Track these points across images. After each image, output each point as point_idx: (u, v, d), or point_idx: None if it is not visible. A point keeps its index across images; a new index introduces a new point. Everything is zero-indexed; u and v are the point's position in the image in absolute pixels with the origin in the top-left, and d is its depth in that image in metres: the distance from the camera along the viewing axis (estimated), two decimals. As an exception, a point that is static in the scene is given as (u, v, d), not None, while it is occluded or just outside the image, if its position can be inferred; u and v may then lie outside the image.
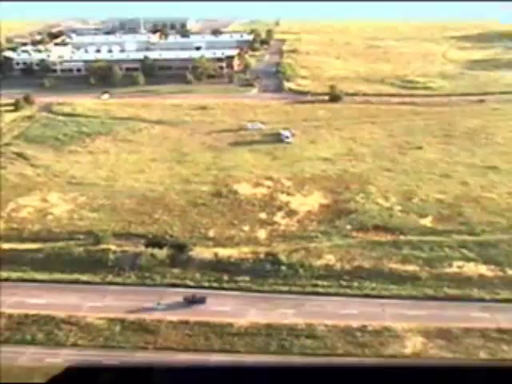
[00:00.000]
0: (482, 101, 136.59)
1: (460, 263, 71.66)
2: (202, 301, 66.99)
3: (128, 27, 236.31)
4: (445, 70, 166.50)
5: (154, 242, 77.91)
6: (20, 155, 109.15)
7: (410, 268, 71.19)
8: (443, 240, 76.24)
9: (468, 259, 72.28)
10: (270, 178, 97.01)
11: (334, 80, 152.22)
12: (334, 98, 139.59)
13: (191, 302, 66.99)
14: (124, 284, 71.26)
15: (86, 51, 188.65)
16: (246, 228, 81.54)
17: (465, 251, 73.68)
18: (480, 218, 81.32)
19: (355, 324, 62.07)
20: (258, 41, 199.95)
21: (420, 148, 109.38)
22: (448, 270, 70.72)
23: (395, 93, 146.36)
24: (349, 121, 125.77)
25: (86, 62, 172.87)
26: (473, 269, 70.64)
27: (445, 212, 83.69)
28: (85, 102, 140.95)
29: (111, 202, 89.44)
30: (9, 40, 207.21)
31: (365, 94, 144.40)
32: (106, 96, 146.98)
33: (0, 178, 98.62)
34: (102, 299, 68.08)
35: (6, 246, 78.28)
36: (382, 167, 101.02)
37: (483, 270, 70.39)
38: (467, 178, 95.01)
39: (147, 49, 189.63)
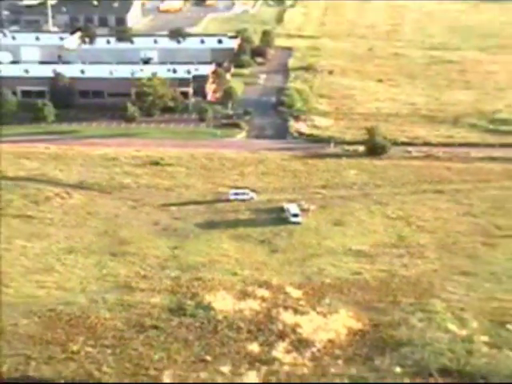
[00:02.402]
0: None
1: None
2: None
3: (25, 19, 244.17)
4: None
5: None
6: None
7: None
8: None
9: None
10: (265, 285, 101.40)
11: (374, 119, 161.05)
12: (375, 149, 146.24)
13: None
14: None
15: None
16: (226, 369, 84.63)
17: None
18: None
19: None
20: (248, 49, 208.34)
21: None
22: None
23: (478, 141, 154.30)
24: (398, 188, 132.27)
25: None
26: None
27: None
28: None
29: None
30: None
31: (426, 143, 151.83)
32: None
33: None
34: None
35: None
36: (455, 268, 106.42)
37: None
38: None
39: (60, 59, 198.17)
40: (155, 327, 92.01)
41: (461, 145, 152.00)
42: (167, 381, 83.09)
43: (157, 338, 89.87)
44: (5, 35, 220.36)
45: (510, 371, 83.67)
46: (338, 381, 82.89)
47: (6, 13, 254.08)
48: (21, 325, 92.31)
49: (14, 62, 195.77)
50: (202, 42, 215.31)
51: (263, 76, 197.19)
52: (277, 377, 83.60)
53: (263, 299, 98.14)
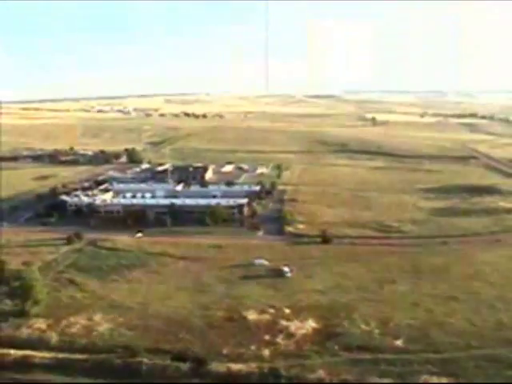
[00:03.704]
0: (444, 243, 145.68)
1: (426, 376, 77.34)
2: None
3: (158, 177, 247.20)
4: (414, 217, 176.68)
5: (179, 357, 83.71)
6: (71, 281, 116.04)
7: (386, 381, 76.54)
8: (413, 357, 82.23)
9: (433, 373, 77.98)
10: (272, 307, 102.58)
11: (326, 225, 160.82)
12: (326, 240, 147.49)
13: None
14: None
15: (124, 196, 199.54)
16: (253, 347, 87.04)
17: (430, 367, 79.52)
18: (443, 339, 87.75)
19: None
20: (264, 191, 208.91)
21: (394, 282, 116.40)
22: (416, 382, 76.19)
23: (375, 235, 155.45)
24: (337, 259, 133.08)
25: (124, 205, 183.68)
26: (436, 381, 76.25)
27: (414, 334, 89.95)
28: (123, 239, 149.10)
29: (144, 323, 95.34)
30: (64, 186, 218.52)
31: (350, 237, 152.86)
32: (139, 234, 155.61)
33: (56, 299, 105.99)
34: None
35: (61, 355, 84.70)
36: (364, 298, 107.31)
37: (444, 381, 76.34)
38: (432, 307, 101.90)
39: (173, 196, 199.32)
40: (219, 327, 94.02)
41: (367, 237, 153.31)
42: (225, 353, 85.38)
43: (220, 332, 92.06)
44: (147, 185, 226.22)
45: (389, 346, 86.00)
46: (307, 353, 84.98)
47: (148, 174, 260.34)
48: (155, 324, 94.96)
49: (152, 197, 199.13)
50: (241, 187, 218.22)
51: (271, 204, 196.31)
52: (279, 352, 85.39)
53: (271, 314, 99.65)
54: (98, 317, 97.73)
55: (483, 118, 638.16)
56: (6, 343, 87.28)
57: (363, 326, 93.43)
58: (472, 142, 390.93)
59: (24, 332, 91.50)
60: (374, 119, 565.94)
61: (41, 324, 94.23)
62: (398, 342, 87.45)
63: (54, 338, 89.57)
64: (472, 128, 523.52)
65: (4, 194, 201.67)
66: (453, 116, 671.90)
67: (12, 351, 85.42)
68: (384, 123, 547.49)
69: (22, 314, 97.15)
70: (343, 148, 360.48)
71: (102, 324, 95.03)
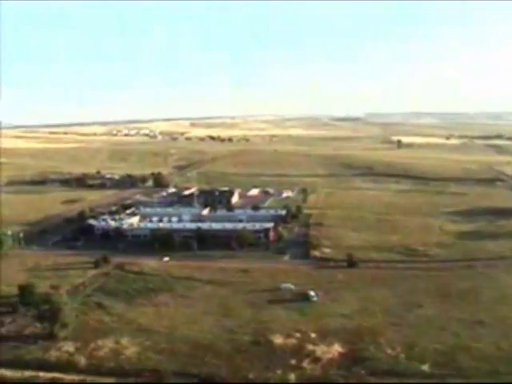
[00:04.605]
0: (470, 266, 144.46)
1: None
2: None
3: (184, 201, 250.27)
4: (440, 240, 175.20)
5: (206, 381, 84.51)
6: (99, 305, 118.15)
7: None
8: (439, 382, 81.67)
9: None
10: (299, 331, 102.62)
11: (351, 249, 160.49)
12: (351, 264, 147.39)
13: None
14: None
15: (151, 221, 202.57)
16: (280, 371, 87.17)
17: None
18: (470, 364, 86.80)
19: None
20: (290, 215, 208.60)
21: (421, 306, 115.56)
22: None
23: (401, 259, 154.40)
24: (363, 283, 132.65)
25: (150, 229, 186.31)
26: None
27: (441, 359, 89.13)
28: (150, 263, 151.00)
29: (171, 347, 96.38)
30: (91, 210, 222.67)
31: (376, 261, 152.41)
32: (166, 258, 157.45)
33: (84, 322, 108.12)
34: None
35: (89, 378, 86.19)
36: (390, 322, 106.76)
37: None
38: (459, 331, 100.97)
39: (200, 220, 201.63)
40: (246, 351, 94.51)
41: (393, 261, 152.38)
42: (251, 377, 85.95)
43: (247, 356, 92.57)
44: (174, 209, 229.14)
45: (415, 371, 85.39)
46: (334, 378, 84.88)
47: (174, 198, 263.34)
48: (182, 348, 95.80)
49: (179, 221, 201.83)
50: (267, 211, 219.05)
51: (296, 228, 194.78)
52: (305, 376, 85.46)
53: (297, 338, 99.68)
54: (125, 340, 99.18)
55: (510, 139, 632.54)
56: (35, 366, 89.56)
57: (389, 351, 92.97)
58: (498, 164, 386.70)
59: (52, 355, 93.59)
60: (399, 142, 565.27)
61: (69, 347, 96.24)
62: (425, 367, 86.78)
63: (82, 360, 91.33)
64: (498, 150, 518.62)
65: (33, 218, 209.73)
66: (479, 138, 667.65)
67: (41, 373, 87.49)
68: (409, 145, 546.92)
69: (51, 336, 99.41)
70: (369, 171, 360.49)
71: (130, 347, 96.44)
